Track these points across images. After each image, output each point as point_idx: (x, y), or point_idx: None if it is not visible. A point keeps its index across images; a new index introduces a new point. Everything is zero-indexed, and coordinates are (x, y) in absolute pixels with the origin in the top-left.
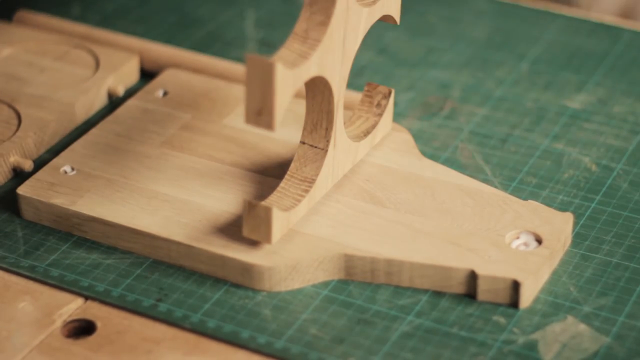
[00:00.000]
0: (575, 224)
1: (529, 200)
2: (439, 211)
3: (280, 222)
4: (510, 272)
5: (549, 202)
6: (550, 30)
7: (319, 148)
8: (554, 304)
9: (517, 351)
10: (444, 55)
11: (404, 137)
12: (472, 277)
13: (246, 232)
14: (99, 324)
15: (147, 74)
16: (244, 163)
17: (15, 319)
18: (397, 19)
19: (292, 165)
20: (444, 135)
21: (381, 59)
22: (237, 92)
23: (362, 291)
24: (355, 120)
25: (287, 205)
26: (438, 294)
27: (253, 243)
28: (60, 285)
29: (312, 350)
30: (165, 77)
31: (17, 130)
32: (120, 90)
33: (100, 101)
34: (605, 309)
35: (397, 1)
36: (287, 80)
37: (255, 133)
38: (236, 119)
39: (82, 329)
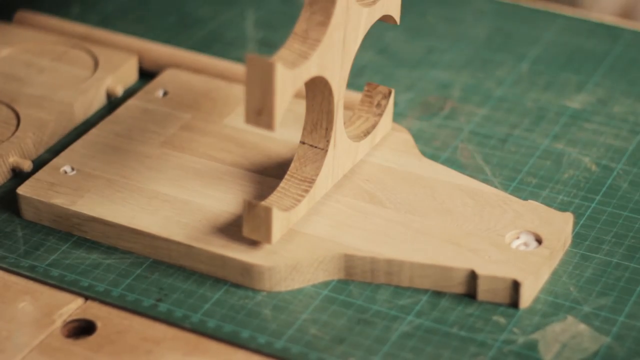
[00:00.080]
0: (575, 224)
1: (529, 200)
2: (439, 211)
3: (280, 222)
4: (510, 272)
5: (549, 202)
6: (550, 30)
7: (319, 148)
8: (554, 304)
9: (517, 351)
10: (444, 55)
11: (404, 137)
12: (472, 277)
13: (246, 232)
14: (99, 324)
15: (147, 74)
16: (244, 163)
17: (16, 319)
18: (397, 19)
19: (292, 165)
20: (444, 135)
21: (381, 59)
22: (237, 92)
23: (362, 291)
24: (355, 120)
25: (287, 205)
26: (438, 294)
27: (253, 243)
28: (60, 285)
29: (312, 350)
30: (165, 77)
31: (16, 130)
32: (119, 91)
33: (99, 101)
34: (605, 309)
35: (397, 1)
36: (287, 80)
37: (255, 133)
38: (236, 119)
39: (82, 329)
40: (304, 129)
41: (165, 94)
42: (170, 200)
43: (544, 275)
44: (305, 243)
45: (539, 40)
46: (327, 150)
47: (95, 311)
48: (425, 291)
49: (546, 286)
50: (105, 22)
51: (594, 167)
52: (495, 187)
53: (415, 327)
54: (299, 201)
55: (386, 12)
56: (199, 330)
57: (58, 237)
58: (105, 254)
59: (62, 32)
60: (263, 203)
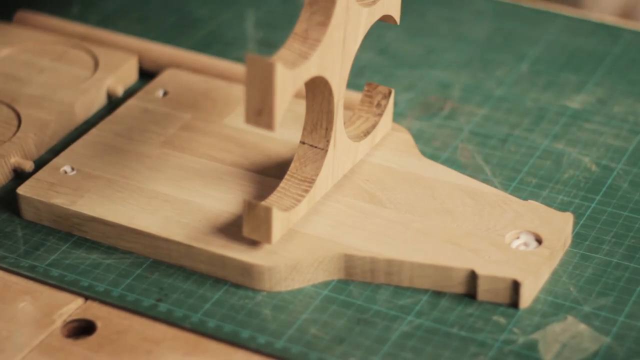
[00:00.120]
0: (575, 224)
1: (529, 200)
2: (439, 211)
3: (280, 222)
4: (510, 272)
5: (549, 202)
6: (550, 30)
7: (319, 148)
8: (554, 304)
9: (517, 351)
10: (444, 55)
11: (404, 137)
12: (472, 277)
13: (246, 232)
14: (99, 324)
15: (147, 74)
16: (244, 163)
17: (16, 319)
18: (397, 19)
19: (292, 165)
20: (444, 135)
21: (381, 59)
22: (237, 92)
23: (362, 291)
24: (355, 120)
25: (287, 205)
26: (438, 294)
27: (253, 243)
28: (60, 285)
29: (312, 350)
30: (165, 77)
31: (17, 130)
32: (120, 91)
33: (100, 101)
34: (605, 309)
35: (397, 1)
36: (287, 80)
37: (255, 133)
38: (236, 119)
39: (82, 329)
40: (304, 129)
41: (165, 94)
42: (170, 200)
43: (544, 275)
44: (305, 243)
45: (539, 40)
46: (327, 150)
47: (95, 311)
48: (425, 291)
49: (546, 286)
50: (105, 22)
51: (594, 167)
52: (495, 187)
53: (415, 327)
54: (299, 201)
55: (386, 12)
56: (199, 330)
57: (58, 237)
58: (105, 254)
59: (62, 32)
60: (263, 203)
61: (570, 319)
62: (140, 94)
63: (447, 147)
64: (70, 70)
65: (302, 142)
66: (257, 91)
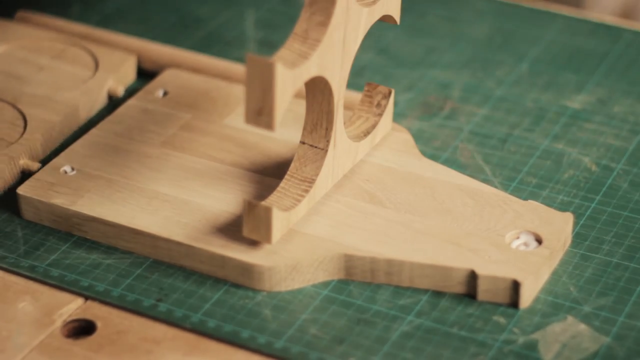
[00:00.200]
0: (575, 224)
1: (529, 200)
2: (439, 211)
3: (280, 222)
4: (510, 272)
5: (549, 202)
6: (550, 30)
7: (319, 148)
8: (554, 304)
9: (517, 351)
10: (444, 55)
11: (404, 137)
12: (472, 277)
13: (246, 232)
14: (99, 324)
15: (147, 74)
16: (244, 163)
17: (16, 319)
18: (397, 19)
19: (292, 165)
20: (444, 135)
21: (381, 59)
22: (237, 92)
23: (362, 291)
24: (355, 120)
25: (287, 205)
26: (438, 294)
27: (253, 243)
28: (60, 285)
29: (312, 350)
30: (165, 77)
31: (24, 131)
32: (120, 91)
33: (101, 102)
34: (605, 309)
35: (397, 1)
36: (287, 80)
37: (255, 133)
38: (236, 119)
39: (82, 329)
40: (304, 129)
41: (165, 94)
42: (170, 200)
43: (544, 275)
44: (305, 243)
45: (539, 40)
46: (327, 150)
47: (95, 311)
48: (425, 291)
49: (546, 286)
50: (105, 22)
51: (594, 167)
52: (495, 187)
53: (415, 327)
54: (299, 201)
55: (386, 12)
56: (199, 330)
57: (58, 237)
58: (105, 254)
59: (62, 31)
60: (263, 203)
61: (570, 319)
62: (140, 94)
63: (447, 147)
64: (69, 69)
65: (302, 142)
66: (257, 91)
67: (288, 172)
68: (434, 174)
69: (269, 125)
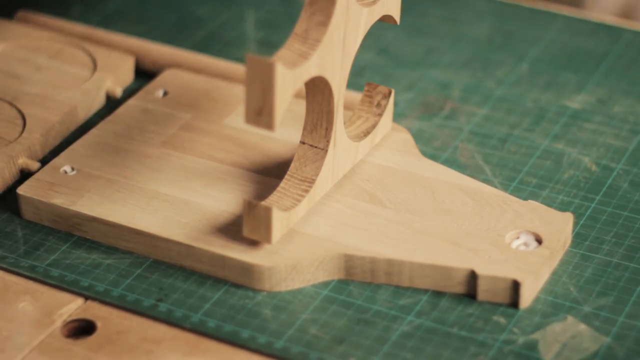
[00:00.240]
0: (575, 224)
1: (529, 200)
2: (439, 211)
3: (280, 222)
4: (510, 272)
5: (549, 202)
6: (550, 30)
7: (319, 148)
8: (554, 304)
9: (517, 351)
10: (444, 55)
11: (404, 137)
12: (472, 277)
13: (246, 232)
14: (99, 324)
15: (147, 74)
16: (244, 163)
17: (16, 319)
18: (397, 19)
19: (292, 165)
20: (444, 135)
21: (381, 59)
22: (237, 92)
23: (362, 291)
24: (355, 120)
25: (287, 205)
26: (438, 294)
27: (253, 243)
28: (60, 285)
29: (312, 350)
30: (165, 77)
31: (22, 131)
32: (119, 92)
33: (100, 102)
34: (605, 309)
35: (397, 1)
36: (287, 80)
37: (255, 133)
38: (236, 119)
39: (82, 329)
40: (304, 129)
41: (165, 94)
42: (170, 200)
43: (544, 275)
44: (305, 243)
45: (539, 40)
46: (327, 150)
47: (95, 311)
48: (425, 291)
49: (546, 286)
50: (106, 22)
51: (594, 167)
52: (495, 187)
53: (415, 327)
54: (299, 201)
55: (386, 12)
56: (199, 330)
57: (58, 237)
58: (105, 254)
59: (62, 31)
60: (263, 203)
61: (570, 319)
62: (140, 94)
63: (447, 147)
64: (67, 69)
65: (302, 142)
66: (257, 91)
67: (288, 172)
68: (434, 174)
69: (269, 125)
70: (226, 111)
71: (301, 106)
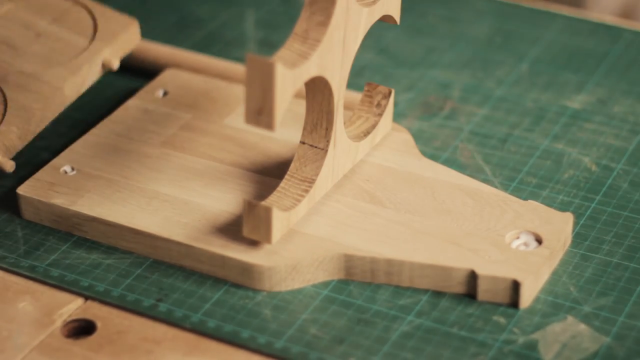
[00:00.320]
0: (575, 224)
1: (529, 200)
2: (439, 211)
3: (280, 222)
4: (510, 272)
5: (549, 202)
6: (550, 30)
7: (319, 148)
8: (554, 304)
9: (517, 351)
10: (444, 55)
11: (404, 137)
12: (472, 277)
13: (246, 232)
14: (99, 324)
15: (147, 74)
16: (244, 163)
17: (16, 319)
18: (397, 19)
19: (292, 165)
20: (444, 135)
21: (381, 59)
22: (237, 92)
23: (362, 291)
24: (355, 120)
25: (287, 205)
26: (438, 294)
27: (253, 243)
28: (60, 285)
29: (312, 350)
30: (165, 77)
31: (2, 121)
32: (115, 64)
33: (92, 79)
34: (605, 309)
35: (397, 1)
36: (287, 80)
37: (255, 133)
38: (236, 119)
39: (82, 329)
40: (304, 129)
41: (165, 94)
42: (170, 200)
43: (544, 275)
44: (305, 243)
45: (539, 40)
46: (327, 150)
47: (95, 311)
48: (425, 291)
49: (546, 286)
50: None
51: (594, 167)
52: (495, 187)
53: (415, 327)
54: (299, 201)
55: (386, 12)
56: (199, 330)
57: (58, 237)
58: (105, 254)
59: None
60: (263, 203)
61: (570, 319)
62: (140, 94)
63: (447, 147)
64: (67, 36)
65: (302, 142)
66: (257, 91)
67: (288, 172)
68: (434, 174)
69: (269, 125)
70: (226, 111)
71: (301, 106)
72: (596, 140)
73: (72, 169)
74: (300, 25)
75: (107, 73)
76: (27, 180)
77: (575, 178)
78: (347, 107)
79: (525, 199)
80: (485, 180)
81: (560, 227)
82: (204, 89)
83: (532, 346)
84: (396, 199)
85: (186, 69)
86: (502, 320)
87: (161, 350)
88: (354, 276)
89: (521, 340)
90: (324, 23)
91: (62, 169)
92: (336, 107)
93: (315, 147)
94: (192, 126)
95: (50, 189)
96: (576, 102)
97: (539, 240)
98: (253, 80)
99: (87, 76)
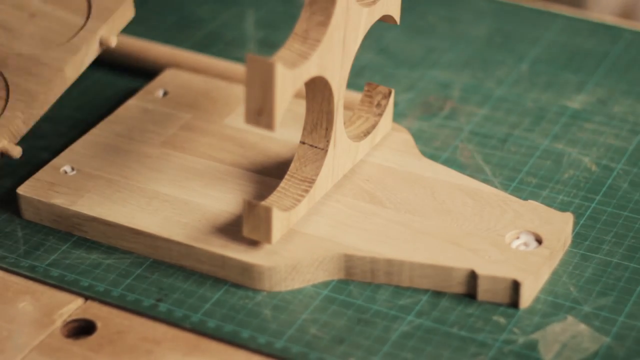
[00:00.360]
0: (575, 224)
1: (529, 200)
2: (439, 211)
3: (280, 222)
4: (510, 272)
5: (549, 202)
6: (550, 30)
7: (319, 148)
8: (554, 304)
9: (517, 351)
10: (444, 55)
11: (404, 137)
12: (472, 277)
13: (246, 232)
14: (99, 324)
15: (147, 74)
16: (244, 163)
17: (16, 319)
18: (397, 19)
19: (292, 165)
20: (444, 135)
21: (381, 59)
22: (237, 92)
23: (362, 291)
24: (355, 120)
25: (287, 205)
26: (438, 294)
27: (253, 243)
28: (60, 285)
29: (312, 350)
30: (165, 77)
31: (5, 107)
32: (113, 41)
33: (91, 57)
34: (605, 309)
35: (397, 1)
36: (287, 80)
37: (255, 133)
38: (236, 119)
39: (82, 329)
40: (304, 129)
41: (165, 94)
42: (170, 200)
43: (544, 275)
44: (305, 243)
45: (539, 40)
46: (327, 150)
47: (95, 311)
48: (425, 291)
49: (546, 286)
50: None
51: (594, 167)
52: (495, 187)
53: (415, 327)
54: (299, 201)
55: (386, 12)
56: (199, 330)
57: (58, 237)
58: (105, 254)
59: None
60: (263, 203)
61: (570, 319)
62: (140, 94)
63: (447, 147)
64: (61, 15)
65: (302, 142)
66: (257, 91)
67: (288, 172)
68: (434, 174)
69: (269, 125)
70: (226, 111)
71: (301, 106)
72: (596, 140)
73: (72, 169)
74: (300, 25)
75: (107, 73)
76: (27, 180)
77: (575, 178)
78: (347, 107)
79: (525, 199)
80: (485, 180)
81: (560, 227)
82: (204, 89)
83: (532, 346)
84: (396, 199)
85: (186, 69)
86: (502, 320)
87: (161, 350)
88: (354, 276)
89: (521, 340)
90: (324, 23)
91: (62, 169)
92: (336, 107)
93: (315, 147)
94: (192, 126)
95: (50, 189)
96: (576, 102)
97: (539, 240)
98: (253, 80)
99: (86, 56)
